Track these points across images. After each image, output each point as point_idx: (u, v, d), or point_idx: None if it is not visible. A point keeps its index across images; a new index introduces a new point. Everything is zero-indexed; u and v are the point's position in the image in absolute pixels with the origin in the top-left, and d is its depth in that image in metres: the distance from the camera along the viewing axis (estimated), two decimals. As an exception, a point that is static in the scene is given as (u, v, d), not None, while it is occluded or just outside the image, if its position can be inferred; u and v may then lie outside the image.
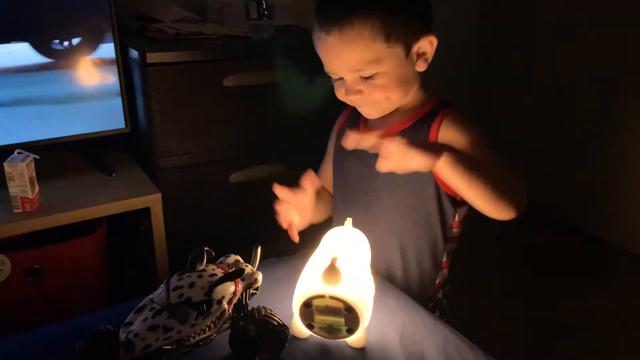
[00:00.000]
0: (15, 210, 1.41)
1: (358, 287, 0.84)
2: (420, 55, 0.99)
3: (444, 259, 1.12)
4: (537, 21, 2.60)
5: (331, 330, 0.85)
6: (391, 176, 1.05)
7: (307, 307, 0.83)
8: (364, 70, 0.96)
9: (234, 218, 1.81)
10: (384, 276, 1.08)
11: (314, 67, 1.84)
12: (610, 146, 2.42)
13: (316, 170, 1.25)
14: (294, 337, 0.88)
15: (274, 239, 1.38)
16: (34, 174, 1.42)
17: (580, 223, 2.56)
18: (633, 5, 2.23)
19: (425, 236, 1.07)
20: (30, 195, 1.41)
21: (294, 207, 1.06)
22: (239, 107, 1.74)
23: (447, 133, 0.99)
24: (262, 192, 1.86)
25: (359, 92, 0.99)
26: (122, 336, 0.73)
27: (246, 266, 0.87)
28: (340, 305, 0.81)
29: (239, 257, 0.89)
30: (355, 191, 1.13)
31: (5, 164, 1.37)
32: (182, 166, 1.71)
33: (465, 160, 0.84)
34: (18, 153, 1.41)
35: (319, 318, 0.84)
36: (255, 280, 0.85)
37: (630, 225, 2.39)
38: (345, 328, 0.84)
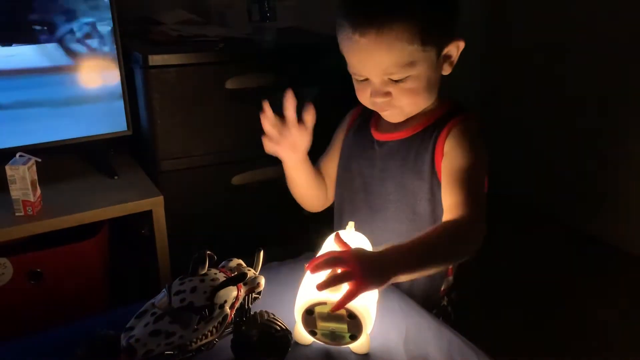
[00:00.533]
0: (16, 214, 1.41)
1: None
2: (447, 58, 0.98)
3: (450, 266, 1.11)
4: (542, 21, 2.59)
5: (334, 337, 0.84)
6: (400, 180, 1.04)
7: (310, 314, 0.82)
8: (396, 74, 0.93)
9: (237, 221, 1.80)
10: None
11: (316, 69, 1.84)
12: (613, 148, 2.41)
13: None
14: (297, 343, 0.87)
15: (276, 242, 1.37)
16: (36, 177, 1.42)
17: (583, 225, 2.54)
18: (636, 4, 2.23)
19: None
20: (31, 199, 1.40)
21: (285, 139, 1.05)
22: (242, 109, 1.73)
23: (450, 146, 0.99)
24: (265, 195, 1.86)
25: (387, 94, 0.96)
26: (124, 341, 0.72)
27: (248, 270, 0.86)
28: (343, 311, 0.80)
29: (241, 261, 0.89)
30: (363, 193, 1.11)
31: (6, 167, 1.37)
32: (184, 169, 1.70)
33: (414, 262, 0.82)
34: (20, 156, 1.41)
35: (321, 324, 0.83)
36: (258, 284, 0.85)
37: (634, 227, 2.38)
38: (349, 334, 0.83)
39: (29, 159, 1.40)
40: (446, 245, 0.87)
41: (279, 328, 0.82)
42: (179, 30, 1.81)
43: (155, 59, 1.57)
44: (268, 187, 1.82)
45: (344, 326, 0.82)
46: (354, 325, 0.81)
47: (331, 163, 1.20)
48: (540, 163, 2.68)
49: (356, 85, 1.01)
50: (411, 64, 0.92)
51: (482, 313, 1.88)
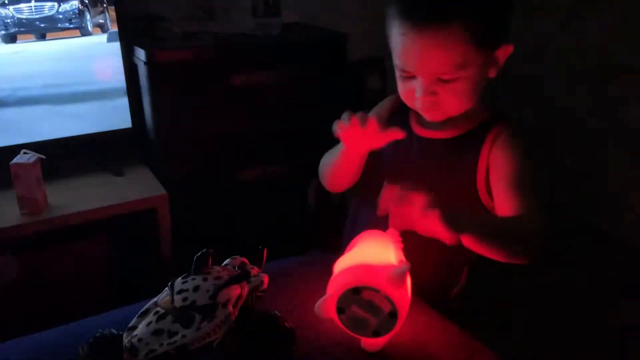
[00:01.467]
0: (21, 211, 1.40)
1: (409, 298, 0.82)
2: (495, 61, 0.96)
3: (466, 267, 1.09)
4: (544, 19, 2.58)
5: (358, 325, 0.82)
6: (434, 179, 1.02)
7: (354, 294, 0.80)
8: (448, 73, 0.91)
9: (242, 218, 1.79)
10: None
11: (321, 65, 1.83)
12: (618, 145, 2.39)
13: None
14: (302, 339, 0.85)
15: (281, 240, 1.36)
16: (41, 175, 1.42)
17: (594, 222, 2.53)
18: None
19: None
20: (37, 196, 1.40)
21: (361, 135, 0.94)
22: (246, 105, 1.72)
23: (497, 154, 0.97)
24: (270, 192, 1.86)
25: (434, 94, 0.94)
26: (126, 341, 0.71)
27: (252, 268, 0.85)
28: (388, 308, 0.79)
29: (244, 259, 0.88)
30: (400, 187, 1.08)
31: (11, 164, 1.36)
32: (189, 166, 1.70)
33: (484, 234, 0.84)
34: (24, 153, 1.40)
35: (354, 308, 0.81)
36: (262, 282, 0.84)
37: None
38: (373, 330, 0.81)
39: (34, 156, 1.39)
40: (512, 234, 0.88)
41: (283, 327, 0.81)
42: (183, 26, 1.80)
43: (159, 56, 1.57)
44: (273, 183, 1.81)
45: (375, 320, 0.80)
46: (387, 324, 0.80)
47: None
48: (547, 161, 2.66)
49: (400, 82, 0.98)
50: (464, 65, 0.90)
51: (490, 312, 1.87)
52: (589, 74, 2.45)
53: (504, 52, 0.95)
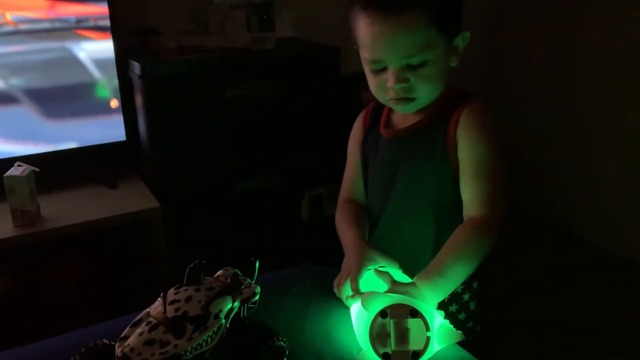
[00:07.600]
0: (15, 224, 1.41)
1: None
2: (455, 49, 1.00)
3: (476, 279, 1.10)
4: (539, 22, 2.60)
5: (402, 337, 0.83)
6: (416, 174, 1.04)
7: (413, 316, 0.82)
8: (415, 57, 0.96)
9: (235, 229, 1.80)
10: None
11: (316, 79, 1.85)
12: (611, 154, 2.41)
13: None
14: (294, 351, 0.86)
15: (275, 251, 1.37)
16: (34, 187, 1.42)
17: (585, 234, 2.54)
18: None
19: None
20: (30, 208, 1.40)
21: None
22: (241, 118, 1.74)
23: (461, 135, 0.99)
24: (264, 203, 1.87)
25: (406, 80, 0.97)
26: (118, 351, 0.72)
27: (244, 279, 0.86)
28: (421, 346, 0.82)
29: (237, 271, 0.88)
30: (385, 192, 1.10)
31: (5, 177, 1.37)
32: (183, 178, 1.71)
33: (448, 274, 0.92)
34: (18, 166, 1.41)
35: (396, 325, 0.83)
36: (254, 293, 0.84)
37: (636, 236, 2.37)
38: (411, 351, 0.83)
39: (27, 168, 1.40)
40: (470, 255, 0.95)
41: (274, 338, 0.82)
42: (178, 40, 1.82)
43: (153, 69, 1.58)
44: (267, 196, 1.82)
45: (404, 345, 0.83)
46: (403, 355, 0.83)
47: (357, 178, 1.17)
48: (539, 171, 2.68)
49: (372, 78, 1.02)
50: (429, 47, 0.95)
51: (494, 322, 1.86)
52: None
53: (462, 39, 1.01)
